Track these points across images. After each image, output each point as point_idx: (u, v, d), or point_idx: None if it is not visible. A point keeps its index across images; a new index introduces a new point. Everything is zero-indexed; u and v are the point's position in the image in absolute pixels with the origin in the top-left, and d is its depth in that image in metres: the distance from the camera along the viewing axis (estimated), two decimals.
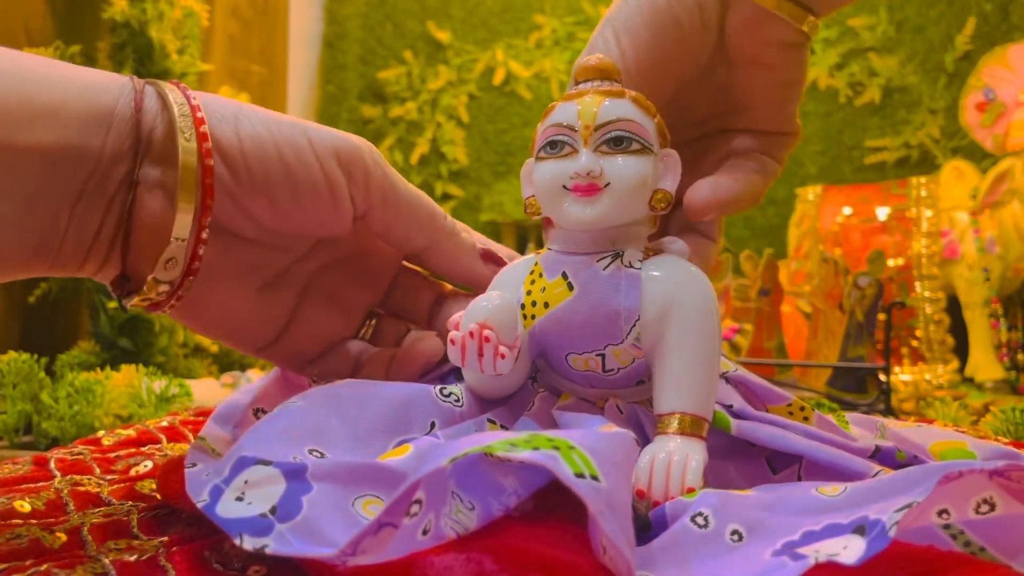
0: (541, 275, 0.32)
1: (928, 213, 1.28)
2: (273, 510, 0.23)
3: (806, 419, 0.34)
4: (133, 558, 0.26)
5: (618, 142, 0.30)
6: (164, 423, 0.48)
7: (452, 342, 0.30)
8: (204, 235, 0.31)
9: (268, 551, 0.21)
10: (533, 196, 0.33)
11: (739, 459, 0.32)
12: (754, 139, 0.39)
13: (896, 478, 0.23)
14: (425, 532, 0.22)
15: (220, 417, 0.34)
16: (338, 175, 0.33)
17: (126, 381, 0.79)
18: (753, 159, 0.39)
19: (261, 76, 1.63)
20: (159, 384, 0.79)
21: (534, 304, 0.32)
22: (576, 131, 0.30)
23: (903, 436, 0.35)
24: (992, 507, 0.22)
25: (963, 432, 0.39)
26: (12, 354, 0.77)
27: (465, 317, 0.30)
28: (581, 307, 0.31)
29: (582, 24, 1.84)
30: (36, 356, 0.78)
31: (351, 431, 0.29)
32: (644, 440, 0.30)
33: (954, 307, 1.25)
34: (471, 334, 0.29)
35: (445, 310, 0.39)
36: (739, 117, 0.39)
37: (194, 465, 0.27)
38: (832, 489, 0.24)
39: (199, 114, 0.31)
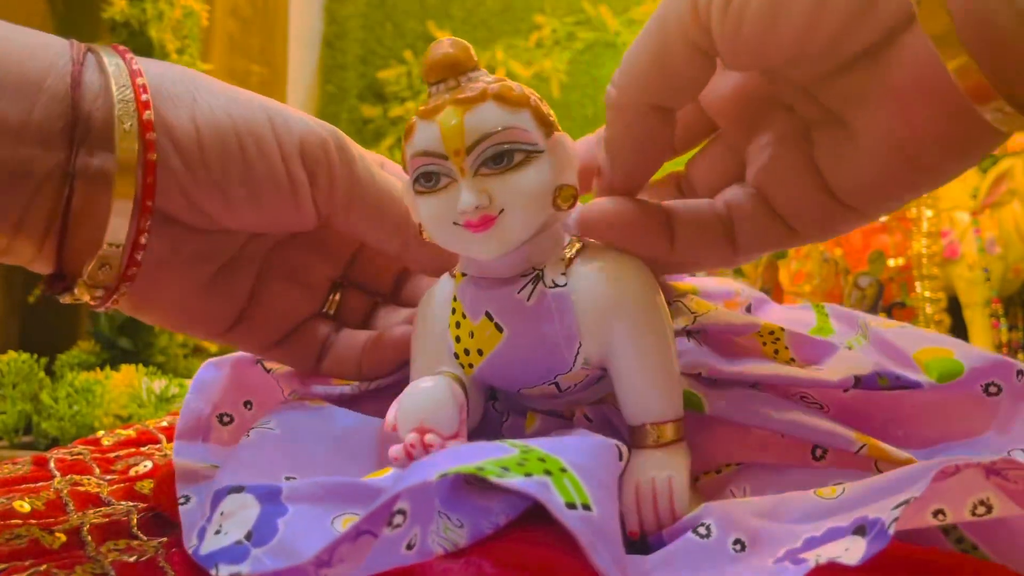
0: (464, 316, 0.29)
1: (928, 213, 1.28)
2: (248, 535, 0.22)
3: (777, 340, 0.32)
4: (132, 559, 0.26)
5: (498, 160, 0.26)
6: (164, 423, 0.48)
7: (395, 459, 0.26)
8: (143, 240, 0.27)
9: (244, 574, 0.21)
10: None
11: (719, 423, 0.30)
12: (805, 188, 0.27)
13: (893, 477, 0.23)
14: (410, 547, 0.22)
15: (185, 434, 0.33)
16: (301, 176, 0.29)
17: (126, 381, 0.79)
18: (749, 222, 0.29)
19: (261, 76, 1.63)
20: (159, 384, 0.79)
21: (467, 352, 0.29)
22: (447, 159, 0.26)
23: (886, 339, 0.33)
24: (989, 509, 0.22)
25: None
26: (12, 354, 0.77)
27: (400, 424, 0.26)
28: (516, 348, 0.28)
29: (582, 24, 1.84)
30: (36, 356, 0.78)
31: (329, 463, 0.28)
32: (618, 435, 0.29)
33: (954, 307, 1.25)
34: (412, 446, 0.26)
35: (411, 284, 0.37)
36: (830, 134, 0.26)
37: (186, 500, 0.27)
38: (830, 491, 0.24)
39: (144, 96, 0.26)
